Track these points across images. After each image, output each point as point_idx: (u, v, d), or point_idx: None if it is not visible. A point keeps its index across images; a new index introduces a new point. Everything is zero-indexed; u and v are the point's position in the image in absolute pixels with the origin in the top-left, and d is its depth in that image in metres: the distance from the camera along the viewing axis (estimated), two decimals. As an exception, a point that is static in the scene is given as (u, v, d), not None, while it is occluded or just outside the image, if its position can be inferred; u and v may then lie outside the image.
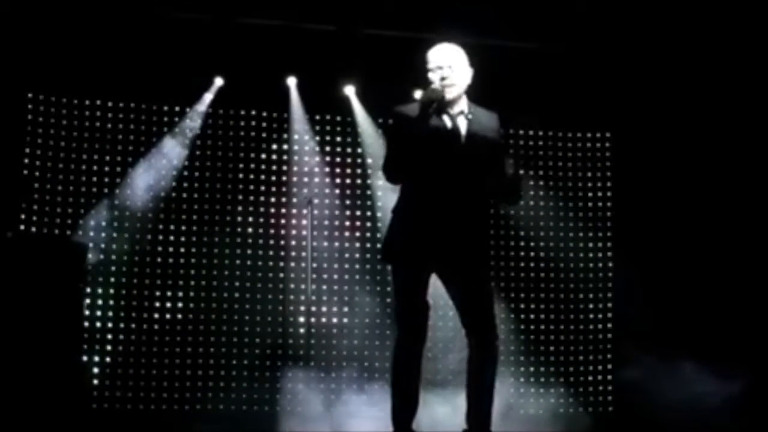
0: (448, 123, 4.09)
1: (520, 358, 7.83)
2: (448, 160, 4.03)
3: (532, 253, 8.10)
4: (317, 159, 7.92)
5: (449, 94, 4.06)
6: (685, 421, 6.54)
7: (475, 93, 4.24)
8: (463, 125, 4.10)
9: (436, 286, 4.14)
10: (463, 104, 4.14)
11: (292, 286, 7.68)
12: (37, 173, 7.30)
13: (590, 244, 8.10)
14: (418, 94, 7.05)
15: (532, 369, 7.83)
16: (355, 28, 7.36)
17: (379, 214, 7.88)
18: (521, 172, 3.95)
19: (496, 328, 4.10)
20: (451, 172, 4.02)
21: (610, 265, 8.10)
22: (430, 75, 4.11)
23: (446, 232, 4.01)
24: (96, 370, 7.19)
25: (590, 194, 8.21)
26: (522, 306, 7.99)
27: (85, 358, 6.94)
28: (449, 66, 4.09)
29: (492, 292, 4.15)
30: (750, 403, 6.49)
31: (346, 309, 7.74)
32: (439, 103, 4.02)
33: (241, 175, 7.77)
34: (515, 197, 4.29)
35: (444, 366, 7.18)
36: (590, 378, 7.96)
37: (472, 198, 4.07)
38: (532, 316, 8.01)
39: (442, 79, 4.07)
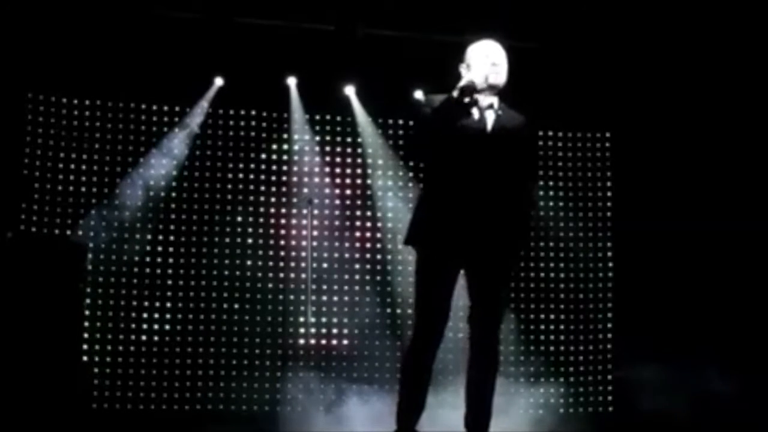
0: (476, 115, 4.11)
1: (520, 357, 7.82)
2: (472, 151, 4.04)
3: (531, 253, 8.09)
4: (317, 159, 7.91)
5: (483, 83, 4.08)
6: (685, 422, 6.54)
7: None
8: (490, 119, 4.13)
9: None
10: (493, 101, 4.17)
11: (292, 286, 7.67)
12: (37, 173, 7.30)
13: (590, 244, 8.10)
14: (418, 94, 7.11)
15: (532, 369, 7.82)
16: (354, 28, 7.36)
17: (379, 214, 7.89)
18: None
19: (499, 331, 4.09)
20: (475, 163, 4.03)
21: (610, 264, 8.09)
22: (480, 64, 4.13)
23: (471, 222, 4.00)
24: (96, 370, 7.19)
25: (590, 194, 8.20)
26: (522, 306, 7.98)
27: (85, 358, 6.94)
28: (501, 61, 4.17)
29: (507, 295, 4.13)
30: (751, 402, 6.48)
31: (346, 309, 7.74)
32: (473, 91, 4.07)
33: (241, 175, 7.77)
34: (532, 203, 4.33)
35: (444, 366, 7.17)
36: (590, 378, 7.95)
37: (497, 191, 4.05)
38: (532, 316, 8.01)
39: (494, 64, 4.13)
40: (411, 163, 7.75)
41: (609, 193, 8.19)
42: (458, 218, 4.00)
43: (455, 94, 4.04)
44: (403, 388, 4.09)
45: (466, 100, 4.06)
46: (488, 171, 4.04)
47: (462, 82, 4.07)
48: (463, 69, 4.21)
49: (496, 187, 4.04)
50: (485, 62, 4.14)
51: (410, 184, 7.88)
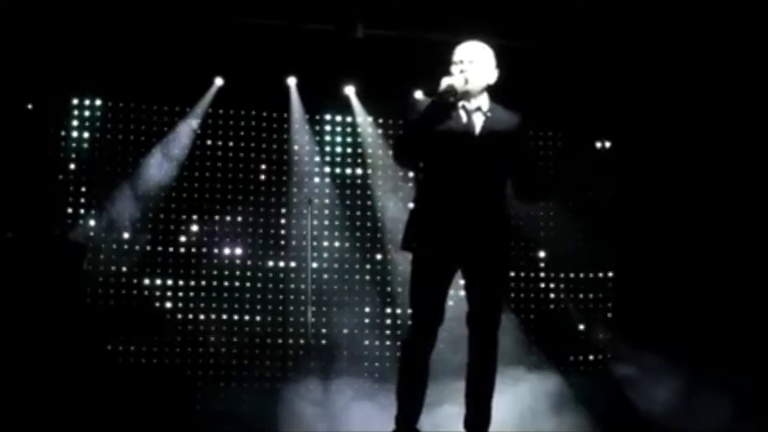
0: (464, 118, 4.12)
1: (519, 358, 7.81)
2: (460, 155, 4.04)
3: (531, 254, 8.10)
4: (317, 159, 7.93)
5: (464, 86, 4.06)
6: (684, 422, 6.55)
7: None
8: (478, 122, 4.12)
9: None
10: (482, 102, 4.16)
11: (292, 286, 7.69)
12: (37, 173, 7.30)
13: (591, 244, 8.09)
14: (418, 94, 7.10)
15: (530, 368, 7.81)
16: (354, 28, 7.35)
17: (379, 215, 7.89)
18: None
19: (497, 333, 4.10)
20: (464, 167, 4.03)
21: (610, 265, 8.10)
22: (452, 68, 4.17)
23: (462, 225, 4.02)
24: (96, 370, 7.18)
25: (591, 194, 8.20)
26: (522, 306, 7.99)
27: (84, 357, 6.93)
28: (470, 61, 4.14)
29: (504, 296, 4.15)
30: (750, 404, 6.49)
31: (346, 309, 7.75)
32: (454, 94, 4.04)
33: (241, 175, 7.78)
34: (542, 195, 4.34)
35: (447, 366, 7.16)
36: (589, 377, 7.94)
37: (488, 194, 4.06)
38: (532, 316, 8.01)
39: (461, 72, 4.12)
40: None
41: (610, 193, 8.19)
42: (450, 221, 4.02)
43: (436, 98, 4.04)
44: (400, 389, 4.11)
45: (451, 100, 4.05)
46: (477, 174, 4.04)
47: (441, 86, 4.05)
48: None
49: (486, 189, 4.05)
50: (456, 67, 4.15)
51: (410, 184, 7.89)
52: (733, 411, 6.40)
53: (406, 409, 4.09)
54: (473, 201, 4.03)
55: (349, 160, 8.01)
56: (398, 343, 7.53)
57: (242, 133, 7.84)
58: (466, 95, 4.11)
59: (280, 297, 7.68)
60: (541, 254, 8.11)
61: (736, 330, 7.04)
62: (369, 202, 7.94)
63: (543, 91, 7.62)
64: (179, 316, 7.50)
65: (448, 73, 4.15)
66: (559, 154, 8.23)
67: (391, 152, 4.30)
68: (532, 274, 8.10)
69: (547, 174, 4.20)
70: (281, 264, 7.74)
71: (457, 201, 4.02)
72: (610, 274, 8.13)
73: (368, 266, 7.84)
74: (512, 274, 8.04)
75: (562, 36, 7.40)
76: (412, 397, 4.09)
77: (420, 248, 4.09)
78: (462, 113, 4.11)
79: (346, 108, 7.91)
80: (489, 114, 4.13)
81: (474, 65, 4.13)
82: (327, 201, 7.91)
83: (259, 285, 7.67)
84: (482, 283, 4.07)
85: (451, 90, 4.02)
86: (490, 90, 4.23)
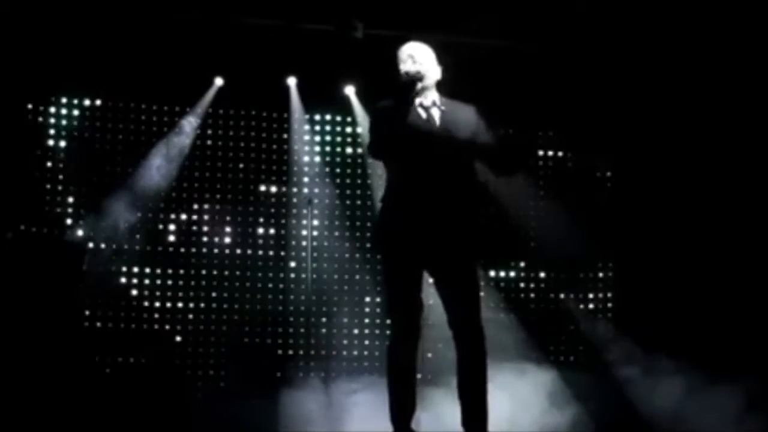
0: (423, 114, 4.15)
1: (519, 356, 7.80)
2: (424, 151, 4.06)
3: (531, 253, 8.09)
4: (317, 159, 7.93)
5: (419, 75, 4.09)
6: (684, 422, 6.54)
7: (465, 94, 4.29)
8: (436, 116, 4.16)
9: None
10: (434, 97, 4.20)
11: (292, 286, 7.69)
12: (37, 173, 7.31)
13: (591, 245, 8.09)
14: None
15: (531, 367, 7.81)
16: (354, 28, 7.35)
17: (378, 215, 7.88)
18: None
19: (482, 329, 4.09)
20: (429, 163, 4.05)
21: (610, 265, 8.10)
22: (401, 66, 4.17)
23: (431, 223, 4.02)
24: (96, 370, 7.19)
25: (591, 193, 8.20)
26: (523, 304, 7.99)
27: (84, 358, 6.94)
28: (419, 55, 4.17)
29: (479, 291, 4.13)
30: (751, 404, 6.49)
31: (346, 309, 7.76)
32: (420, 79, 4.07)
33: (241, 175, 7.79)
34: (518, 164, 4.32)
35: (445, 365, 7.16)
36: (588, 377, 7.94)
37: (454, 186, 4.07)
38: (532, 315, 8.01)
39: (414, 62, 4.15)
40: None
41: (610, 193, 8.19)
42: (416, 219, 4.03)
43: (399, 90, 4.03)
44: (391, 388, 4.10)
45: (419, 87, 4.06)
46: (443, 168, 4.05)
47: (402, 70, 4.07)
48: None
49: (452, 182, 4.06)
50: (404, 64, 4.15)
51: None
52: (734, 410, 6.40)
53: (399, 410, 4.08)
54: (440, 196, 4.03)
55: (349, 160, 8.03)
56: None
57: (242, 133, 7.85)
58: (422, 91, 4.15)
59: (280, 297, 7.69)
60: (542, 254, 8.09)
61: (737, 330, 7.04)
62: (369, 202, 7.94)
63: (540, 91, 7.63)
64: (179, 316, 7.50)
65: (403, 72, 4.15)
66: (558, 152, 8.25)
67: (367, 151, 4.25)
68: (533, 273, 8.11)
69: (520, 143, 4.16)
70: (281, 264, 7.74)
71: (424, 198, 4.03)
72: (611, 274, 8.12)
73: (368, 266, 7.84)
74: (512, 274, 8.06)
75: (561, 38, 7.40)
76: (404, 396, 4.09)
77: (387, 249, 4.09)
78: (420, 110, 4.15)
79: (345, 108, 7.92)
80: (443, 107, 4.18)
81: (421, 62, 4.17)
82: (327, 201, 7.91)
83: (259, 285, 7.68)
84: (454, 281, 4.07)
85: (412, 75, 4.05)
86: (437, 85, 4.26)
